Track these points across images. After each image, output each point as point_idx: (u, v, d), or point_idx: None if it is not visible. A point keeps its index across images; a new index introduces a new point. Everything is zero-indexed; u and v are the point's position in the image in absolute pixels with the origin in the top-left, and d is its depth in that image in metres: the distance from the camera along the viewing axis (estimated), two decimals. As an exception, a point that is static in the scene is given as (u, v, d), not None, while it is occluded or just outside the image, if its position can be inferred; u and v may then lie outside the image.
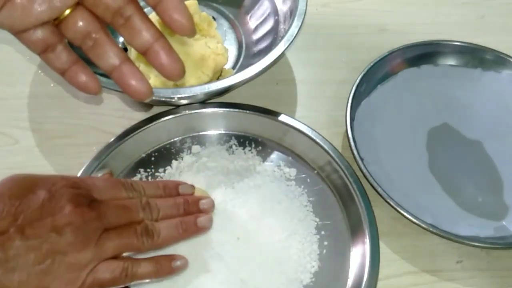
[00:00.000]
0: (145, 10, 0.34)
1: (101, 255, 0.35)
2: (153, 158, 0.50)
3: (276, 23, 0.58)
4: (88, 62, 0.36)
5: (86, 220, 0.34)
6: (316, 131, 0.49)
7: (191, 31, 0.33)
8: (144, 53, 0.34)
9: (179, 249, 0.41)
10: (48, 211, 0.34)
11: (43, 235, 0.33)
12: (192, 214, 0.41)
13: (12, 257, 0.32)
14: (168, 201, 0.40)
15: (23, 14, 0.31)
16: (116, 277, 0.36)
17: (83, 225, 0.34)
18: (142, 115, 0.51)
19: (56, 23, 0.33)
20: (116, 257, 0.36)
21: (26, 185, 0.35)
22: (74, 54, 0.36)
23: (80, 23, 0.33)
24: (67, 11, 0.33)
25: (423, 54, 0.57)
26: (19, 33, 0.33)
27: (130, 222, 0.37)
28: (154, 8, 0.32)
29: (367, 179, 0.46)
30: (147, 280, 0.38)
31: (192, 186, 0.43)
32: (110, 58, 0.34)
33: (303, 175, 0.49)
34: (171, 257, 0.39)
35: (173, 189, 0.42)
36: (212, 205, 0.42)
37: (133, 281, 0.37)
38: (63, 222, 0.34)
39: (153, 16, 0.51)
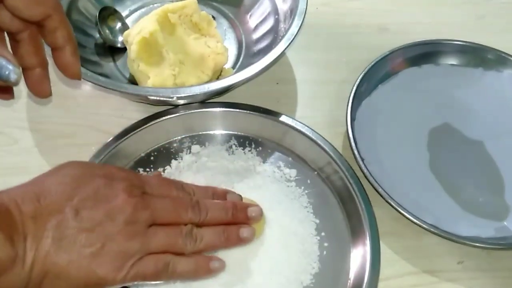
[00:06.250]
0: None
1: (147, 248, 0.36)
2: (152, 158, 0.50)
3: (276, 22, 0.58)
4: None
5: (137, 210, 0.36)
6: (316, 132, 0.49)
7: (78, 77, 0.40)
8: (24, 71, 0.38)
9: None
10: (103, 197, 0.36)
11: (96, 219, 0.35)
12: (240, 220, 0.41)
13: (65, 236, 0.34)
14: (218, 203, 0.41)
15: None
16: (159, 271, 0.37)
17: (134, 215, 0.36)
18: (141, 115, 0.51)
19: None
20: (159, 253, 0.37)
21: (86, 170, 0.38)
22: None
23: None
24: None
25: (424, 53, 0.57)
26: None
27: (177, 221, 0.38)
28: (52, 51, 0.39)
29: (367, 179, 0.46)
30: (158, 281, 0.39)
31: (240, 196, 0.43)
32: None
33: (303, 176, 0.49)
34: (210, 258, 0.40)
35: (221, 196, 0.43)
36: (261, 213, 0.43)
37: (172, 278, 0.38)
38: (116, 209, 0.36)
39: (153, 14, 0.51)
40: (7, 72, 0.32)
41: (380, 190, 0.45)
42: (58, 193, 0.35)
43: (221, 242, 0.40)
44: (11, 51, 0.36)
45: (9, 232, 0.32)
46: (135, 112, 0.53)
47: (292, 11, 0.53)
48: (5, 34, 0.37)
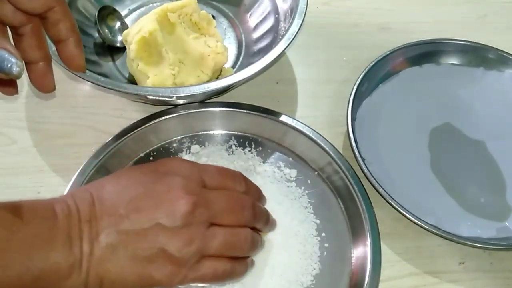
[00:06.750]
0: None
1: (204, 251, 0.35)
2: (151, 158, 0.50)
3: (277, 21, 0.57)
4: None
5: (196, 209, 0.34)
6: (316, 132, 0.49)
7: (83, 69, 0.42)
8: (27, 65, 0.38)
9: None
10: (156, 196, 0.34)
11: (149, 221, 0.33)
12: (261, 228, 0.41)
13: (117, 241, 0.32)
14: (268, 213, 0.41)
15: None
16: (217, 275, 0.36)
17: (192, 215, 0.34)
18: (140, 115, 0.50)
19: None
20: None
21: (140, 169, 0.37)
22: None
23: None
24: None
25: (425, 53, 0.57)
26: None
27: (236, 223, 0.37)
28: (55, 44, 0.39)
29: (368, 179, 0.45)
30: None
31: (265, 200, 0.44)
32: None
33: (304, 176, 0.48)
34: (252, 260, 0.40)
35: (263, 199, 0.43)
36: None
37: (229, 280, 0.38)
38: (172, 209, 0.34)
39: (152, 13, 0.51)
40: (9, 65, 0.32)
41: (381, 190, 0.45)
42: (111, 195, 0.34)
43: (260, 248, 0.40)
44: (13, 45, 0.35)
45: (68, 236, 0.31)
46: (135, 112, 0.53)
47: (292, 10, 0.53)
48: (8, 28, 0.37)
